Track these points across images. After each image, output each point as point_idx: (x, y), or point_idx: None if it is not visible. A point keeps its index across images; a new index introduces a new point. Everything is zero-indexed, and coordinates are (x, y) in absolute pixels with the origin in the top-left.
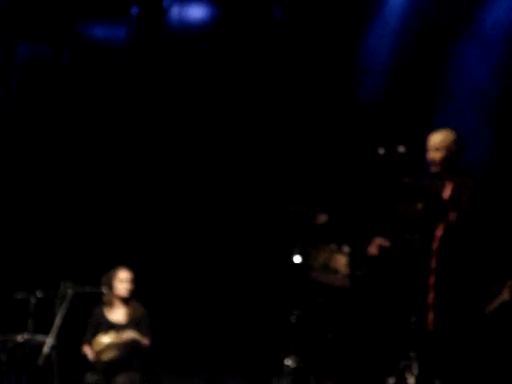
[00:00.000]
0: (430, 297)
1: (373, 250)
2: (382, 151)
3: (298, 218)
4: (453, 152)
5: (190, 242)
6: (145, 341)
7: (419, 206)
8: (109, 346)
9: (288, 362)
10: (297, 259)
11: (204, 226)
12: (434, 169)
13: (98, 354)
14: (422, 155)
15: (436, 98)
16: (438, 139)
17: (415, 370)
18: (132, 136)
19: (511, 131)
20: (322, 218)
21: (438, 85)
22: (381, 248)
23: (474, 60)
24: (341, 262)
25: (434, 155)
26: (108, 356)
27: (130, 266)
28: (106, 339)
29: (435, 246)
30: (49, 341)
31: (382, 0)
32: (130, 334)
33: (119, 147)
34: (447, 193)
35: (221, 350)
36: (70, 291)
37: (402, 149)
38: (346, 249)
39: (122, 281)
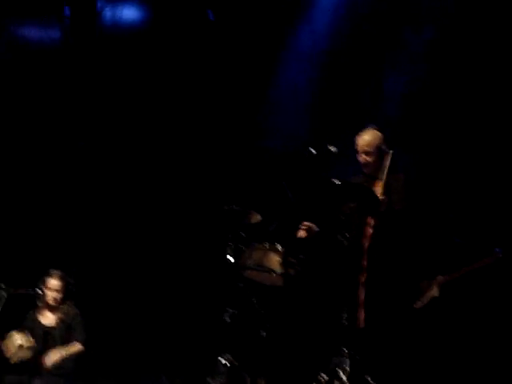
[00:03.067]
0: (361, 294)
1: (301, 232)
2: (314, 151)
3: (232, 217)
4: (382, 152)
5: (123, 240)
6: (74, 348)
7: (351, 205)
8: (20, 348)
9: (222, 360)
10: (230, 258)
11: (138, 225)
12: (366, 170)
13: (9, 354)
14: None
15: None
16: (366, 142)
17: (347, 367)
18: (67, 136)
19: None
20: (256, 218)
21: None
22: (310, 231)
23: None
24: (274, 260)
25: (365, 158)
26: (19, 356)
27: (64, 268)
28: (18, 341)
29: (366, 244)
30: None
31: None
32: (55, 356)
33: (53, 147)
34: (378, 191)
35: (155, 348)
36: (3, 293)
37: (333, 148)
38: (279, 247)
39: (50, 289)
